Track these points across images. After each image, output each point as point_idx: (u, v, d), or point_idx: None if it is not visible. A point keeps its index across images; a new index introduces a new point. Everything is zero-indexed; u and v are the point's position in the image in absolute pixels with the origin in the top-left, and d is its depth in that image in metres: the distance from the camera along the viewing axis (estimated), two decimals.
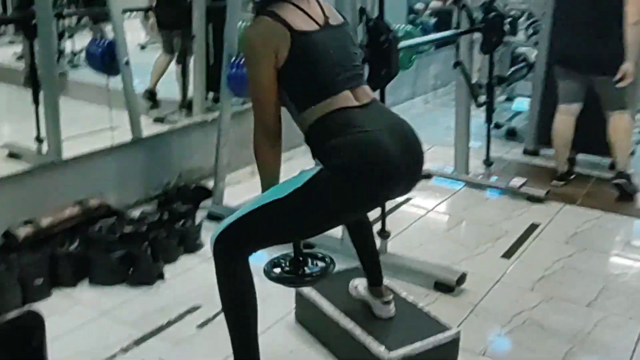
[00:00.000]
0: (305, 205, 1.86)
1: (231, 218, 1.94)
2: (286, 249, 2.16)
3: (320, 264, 2.17)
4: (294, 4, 1.93)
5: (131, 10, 4.85)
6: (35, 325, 1.85)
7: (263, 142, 1.93)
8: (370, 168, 1.84)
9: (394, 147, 1.88)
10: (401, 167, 1.89)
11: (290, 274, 2.13)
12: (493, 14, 3.86)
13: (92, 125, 4.16)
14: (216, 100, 4.90)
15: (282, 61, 1.87)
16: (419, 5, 7.87)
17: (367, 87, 2.04)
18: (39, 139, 3.87)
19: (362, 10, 2.89)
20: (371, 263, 2.41)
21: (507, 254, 3.38)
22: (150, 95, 4.96)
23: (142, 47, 6.57)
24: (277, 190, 1.90)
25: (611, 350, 2.60)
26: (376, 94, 2.97)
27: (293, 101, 1.94)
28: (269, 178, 1.97)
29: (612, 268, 3.41)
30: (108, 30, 5.69)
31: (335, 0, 2.87)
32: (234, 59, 3.36)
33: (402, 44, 3.12)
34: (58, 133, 3.71)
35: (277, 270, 2.13)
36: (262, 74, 1.88)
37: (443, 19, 7.27)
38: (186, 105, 4.91)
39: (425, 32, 6.76)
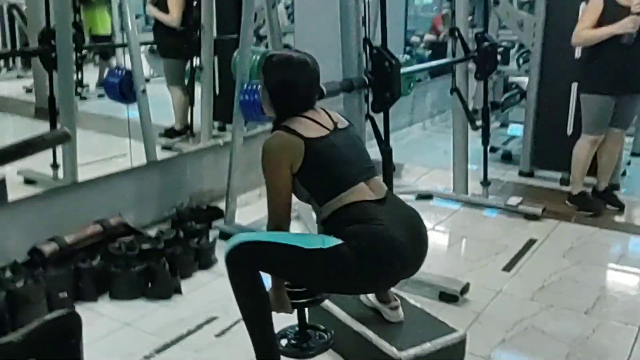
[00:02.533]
0: (322, 268, 2.07)
1: (250, 236, 2.14)
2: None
3: (322, 336, 2.44)
4: (305, 117, 2.19)
5: (145, 44, 5.05)
6: (74, 325, 1.99)
7: (273, 224, 2.17)
8: (382, 259, 2.06)
9: (404, 238, 2.10)
10: (410, 257, 2.15)
11: (296, 347, 2.38)
12: (486, 43, 4.09)
13: (103, 153, 4.34)
14: (221, 128, 5.12)
15: (298, 166, 2.11)
16: (414, 39, 8.16)
17: (379, 179, 2.26)
18: (54, 165, 4.04)
19: (366, 40, 3.09)
20: None
21: (507, 267, 3.54)
22: (175, 132, 5.15)
23: (147, 80, 6.76)
24: (301, 237, 2.14)
25: (609, 354, 2.74)
26: (379, 117, 3.21)
27: (313, 197, 2.17)
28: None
29: (607, 279, 3.57)
30: (113, 64, 5.96)
31: (340, 33, 3.09)
32: (245, 86, 3.55)
33: (404, 70, 3.33)
34: (74, 158, 3.88)
35: (284, 342, 2.37)
36: (279, 179, 2.12)
37: (437, 51, 7.56)
38: (192, 133, 5.11)
39: (422, 62, 7.04)
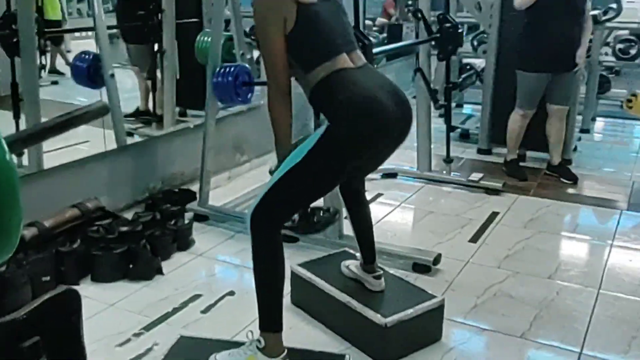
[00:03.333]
0: (321, 160, 2.14)
1: (260, 194, 2.19)
2: None
3: (326, 213, 2.47)
4: None
5: (111, 28, 5.00)
6: (74, 302, 2.03)
7: (276, 99, 2.19)
8: (371, 117, 2.13)
9: (389, 101, 2.18)
10: (395, 116, 2.19)
11: (303, 222, 2.39)
12: (448, 24, 4.23)
13: (64, 142, 4.29)
14: (182, 114, 5.14)
15: (289, 28, 2.15)
16: (367, 22, 8.27)
17: (359, 52, 2.33)
18: (17, 154, 3.99)
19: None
20: (368, 241, 2.68)
21: (474, 239, 3.71)
22: (142, 113, 5.14)
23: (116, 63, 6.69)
24: (293, 155, 2.16)
25: (573, 315, 2.93)
26: None
27: (299, 64, 2.21)
28: (282, 131, 2.22)
29: (566, 246, 3.79)
30: (63, 50, 5.88)
31: None
32: (219, 68, 3.60)
33: (375, 50, 3.44)
34: (40, 146, 3.84)
35: (288, 223, 2.36)
36: (273, 38, 2.15)
37: (393, 34, 7.70)
38: (157, 118, 5.11)
39: (376, 45, 7.15)
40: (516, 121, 4.67)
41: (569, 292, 3.12)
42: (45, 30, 4.10)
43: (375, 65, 4.44)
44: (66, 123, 1.22)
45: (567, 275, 3.29)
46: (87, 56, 3.88)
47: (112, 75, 3.80)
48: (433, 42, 4.30)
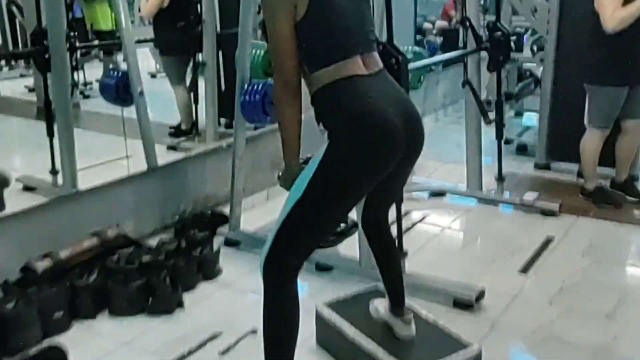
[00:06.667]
0: (328, 188, 1.91)
1: (269, 238, 1.98)
2: None
3: (343, 225, 2.23)
4: None
5: (142, 41, 4.92)
6: None
7: (282, 95, 1.93)
8: (377, 136, 1.89)
9: (398, 118, 1.92)
10: (404, 136, 1.94)
11: None
12: (498, 33, 3.90)
13: (106, 155, 4.21)
14: (228, 126, 4.98)
15: (300, 16, 1.89)
16: (426, 25, 7.95)
17: (376, 55, 2.05)
18: (54, 171, 3.93)
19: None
20: (395, 283, 2.42)
21: (524, 269, 3.38)
22: (181, 131, 5.05)
23: (153, 76, 6.67)
24: (294, 191, 1.94)
25: None
26: None
27: (305, 59, 1.95)
28: (289, 135, 1.97)
29: (629, 279, 3.41)
30: (118, 60, 5.83)
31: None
32: (246, 86, 3.40)
33: (412, 65, 3.17)
34: (73, 164, 3.78)
35: None
36: (281, 24, 1.90)
37: (449, 38, 7.35)
38: (197, 132, 5.00)
39: (433, 51, 6.85)
40: (592, 142, 4.16)
41: (629, 335, 2.76)
42: (75, 46, 3.98)
43: (422, 78, 4.17)
44: None
45: (628, 314, 2.94)
46: (115, 73, 3.77)
47: (142, 93, 3.68)
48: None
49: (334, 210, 1.98)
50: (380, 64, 2.06)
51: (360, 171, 1.92)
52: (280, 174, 2.09)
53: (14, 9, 7.15)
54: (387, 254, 2.43)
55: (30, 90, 6.00)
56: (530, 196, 4.19)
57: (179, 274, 3.05)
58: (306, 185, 1.90)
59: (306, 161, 2.02)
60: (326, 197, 1.93)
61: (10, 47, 7.26)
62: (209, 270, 3.24)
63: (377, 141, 1.90)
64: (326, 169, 1.89)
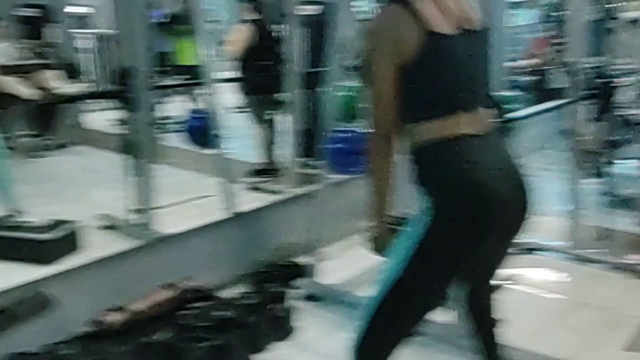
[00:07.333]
0: (430, 270, 1.72)
1: (364, 319, 1.79)
2: None
3: None
4: None
5: (225, 81, 4.87)
6: None
7: (377, 147, 1.76)
8: (483, 213, 1.68)
9: (505, 187, 1.72)
10: (511, 207, 1.74)
11: None
12: (603, 80, 3.59)
13: (185, 194, 4.12)
14: (311, 166, 4.82)
15: (406, 60, 1.68)
16: (516, 64, 7.57)
17: (487, 112, 1.82)
18: (132, 210, 3.88)
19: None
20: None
21: (632, 347, 3.01)
22: (262, 170, 5.00)
23: (237, 110, 6.65)
24: (392, 267, 1.74)
25: None
26: None
27: (405, 107, 1.74)
28: (381, 191, 1.80)
29: None
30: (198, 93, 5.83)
31: None
32: (332, 132, 3.22)
33: (510, 116, 2.93)
34: (151, 204, 3.73)
35: None
36: (384, 71, 1.70)
37: (536, 80, 7.00)
38: (279, 172, 4.88)
39: (525, 91, 6.48)
40: None
41: None
42: (157, 86, 3.96)
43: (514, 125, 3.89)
44: None
45: None
46: (196, 115, 3.69)
47: (220, 136, 3.57)
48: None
49: (437, 293, 1.81)
50: (491, 123, 1.83)
51: (467, 250, 1.71)
52: (370, 236, 1.89)
53: (107, 44, 7.39)
54: (490, 333, 2.16)
55: (115, 124, 6.08)
56: (635, 258, 3.79)
57: (251, 333, 2.88)
58: (407, 264, 1.70)
59: (398, 222, 1.82)
60: (431, 279, 1.73)
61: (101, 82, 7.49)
62: (282, 328, 3.05)
63: (484, 220, 1.69)
64: (431, 247, 1.69)
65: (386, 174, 1.79)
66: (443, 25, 1.70)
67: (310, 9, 4.42)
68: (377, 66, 1.72)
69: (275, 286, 3.25)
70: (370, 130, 1.77)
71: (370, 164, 1.79)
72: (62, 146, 6.59)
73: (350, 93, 4.01)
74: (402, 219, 1.88)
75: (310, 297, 3.42)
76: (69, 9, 7.89)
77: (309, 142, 4.41)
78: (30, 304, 2.27)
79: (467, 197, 1.68)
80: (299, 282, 3.52)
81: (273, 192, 4.60)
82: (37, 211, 3.75)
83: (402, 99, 1.73)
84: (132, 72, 3.70)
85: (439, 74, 1.71)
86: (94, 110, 7.30)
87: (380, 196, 1.80)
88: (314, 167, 4.49)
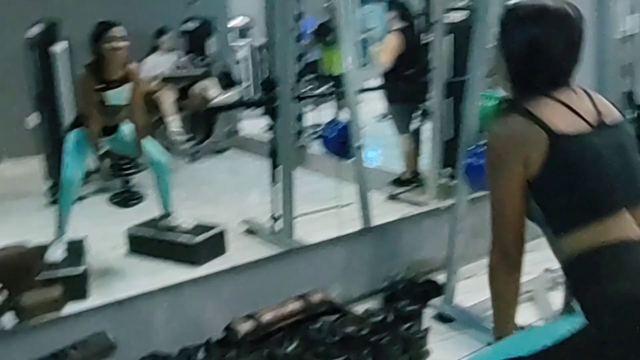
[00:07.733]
0: None
1: None
2: None
3: None
4: (554, 99, 1.54)
5: (366, 90, 4.83)
6: None
7: (499, 266, 1.57)
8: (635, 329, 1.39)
9: None
10: None
11: None
12: None
13: (325, 202, 4.11)
14: (453, 176, 4.64)
15: (535, 172, 1.49)
16: None
17: None
18: (274, 217, 3.95)
19: (630, 95, 2.38)
20: None
21: None
22: (403, 179, 4.94)
23: (379, 119, 6.59)
24: (522, 340, 1.53)
25: None
26: None
27: (548, 222, 1.54)
28: (502, 311, 1.62)
29: None
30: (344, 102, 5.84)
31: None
32: (474, 146, 3.04)
33: None
34: (292, 213, 3.84)
35: None
36: (504, 185, 1.53)
37: None
38: (420, 183, 4.76)
39: None
40: None
41: None
42: (301, 96, 4.02)
43: None
44: None
45: None
46: (335, 125, 3.67)
47: (360, 148, 3.52)
48: None
49: None
50: None
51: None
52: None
53: (258, 54, 7.67)
54: None
55: (266, 130, 6.27)
56: None
57: (381, 353, 2.78)
58: (538, 349, 1.44)
59: None
60: None
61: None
62: (414, 351, 2.91)
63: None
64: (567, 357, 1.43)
65: (510, 295, 1.60)
66: (572, 125, 1.51)
67: (457, 16, 4.24)
68: (498, 184, 1.55)
69: (409, 304, 3.12)
70: (493, 250, 1.58)
71: (492, 284, 1.60)
72: (220, 151, 6.91)
73: (495, 103, 3.78)
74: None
75: (441, 317, 3.26)
76: (232, 23, 8.25)
77: (452, 153, 4.24)
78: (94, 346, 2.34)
79: (624, 310, 1.40)
80: (433, 301, 3.37)
81: (414, 203, 4.49)
82: (187, 213, 3.95)
83: (543, 211, 1.53)
84: (277, 81, 3.79)
85: (580, 176, 1.49)
86: (251, 117, 7.60)
87: (502, 316, 1.62)
88: (455, 177, 4.34)
